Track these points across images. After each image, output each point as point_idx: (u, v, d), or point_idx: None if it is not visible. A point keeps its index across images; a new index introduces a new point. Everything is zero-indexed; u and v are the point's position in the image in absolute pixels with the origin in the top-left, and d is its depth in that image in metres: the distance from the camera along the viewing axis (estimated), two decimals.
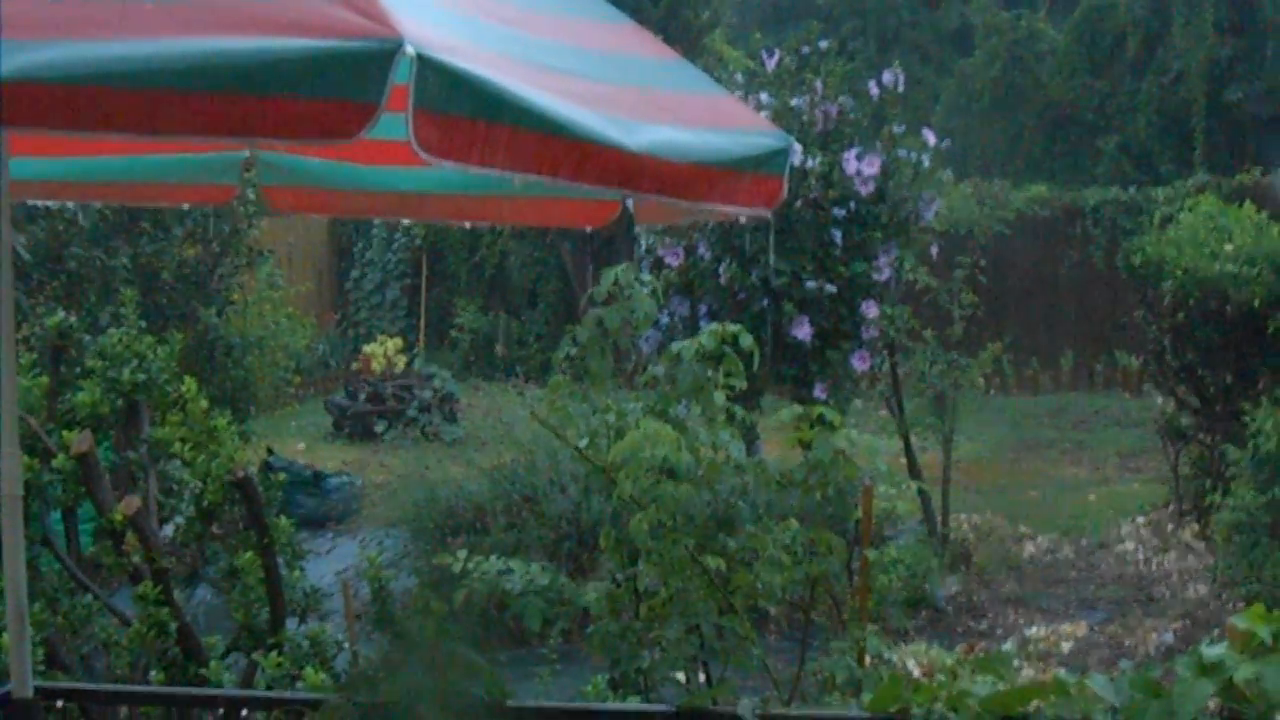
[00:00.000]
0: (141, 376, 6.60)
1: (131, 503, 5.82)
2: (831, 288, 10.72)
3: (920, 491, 11.93)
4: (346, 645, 6.27)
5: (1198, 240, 12.40)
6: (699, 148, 4.17)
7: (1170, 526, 13.10)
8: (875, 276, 10.95)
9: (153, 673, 5.89)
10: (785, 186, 4.55)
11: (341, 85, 3.05)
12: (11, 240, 4.56)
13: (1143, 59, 26.70)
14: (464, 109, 3.25)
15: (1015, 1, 32.08)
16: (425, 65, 3.07)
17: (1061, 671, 4.06)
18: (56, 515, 6.52)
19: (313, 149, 5.37)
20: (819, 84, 11.19)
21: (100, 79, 3.00)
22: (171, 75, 3.02)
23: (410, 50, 3.02)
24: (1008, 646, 10.17)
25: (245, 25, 3.10)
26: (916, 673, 8.83)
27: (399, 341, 20.10)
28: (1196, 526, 12.72)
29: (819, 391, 10.70)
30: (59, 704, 5.13)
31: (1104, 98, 27.27)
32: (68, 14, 3.16)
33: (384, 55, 3.01)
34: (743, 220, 9.43)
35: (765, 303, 10.68)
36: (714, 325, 4.96)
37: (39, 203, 11.32)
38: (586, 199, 5.42)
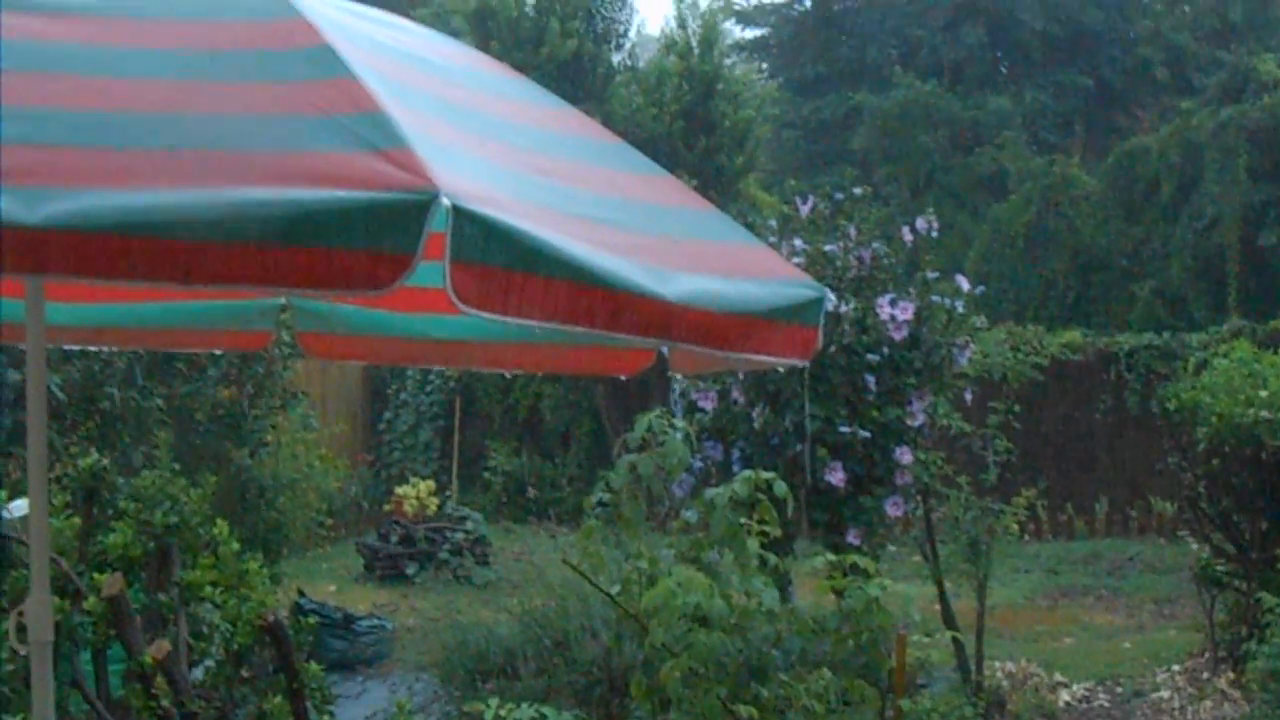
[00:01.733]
0: (174, 519, 6.61)
1: (161, 646, 5.80)
2: (865, 433, 10.68)
3: (954, 639, 11.81)
4: None
5: (1232, 386, 12.35)
6: (734, 298, 4.18)
7: (1206, 674, 12.93)
8: (909, 422, 10.90)
9: None
10: (820, 337, 4.55)
11: (378, 237, 3.07)
12: (46, 381, 4.58)
13: (1176, 204, 26.76)
14: (500, 260, 3.27)
15: (1048, 147, 32.28)
16: (461, 217, 3.09)
17: None
18: (86, 656, 6.50)
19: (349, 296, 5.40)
20: (853, 230, 11.22)
21: (137, 229, 3.02)
22: (208, 226, 3.04)
23: (446, 202, 3.04)
24: None
25: (282, 176, 3.13)
26: None
27: (431, 483, 20.08)
28: (1232, 674, 12.55)
29: (852, 537, 10.62)
30: None
31: (1138, 243, 27.32)
32: (105, 163, 3.19)
33: (420, 207, 3.03)
34: (779, 368, 9.44)
35: (799, 448, 10.65)
36: (747, 472, 4.94)
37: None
38: (621, 347, 5.42)
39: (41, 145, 3.19)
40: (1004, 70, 37.15)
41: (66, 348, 11.57)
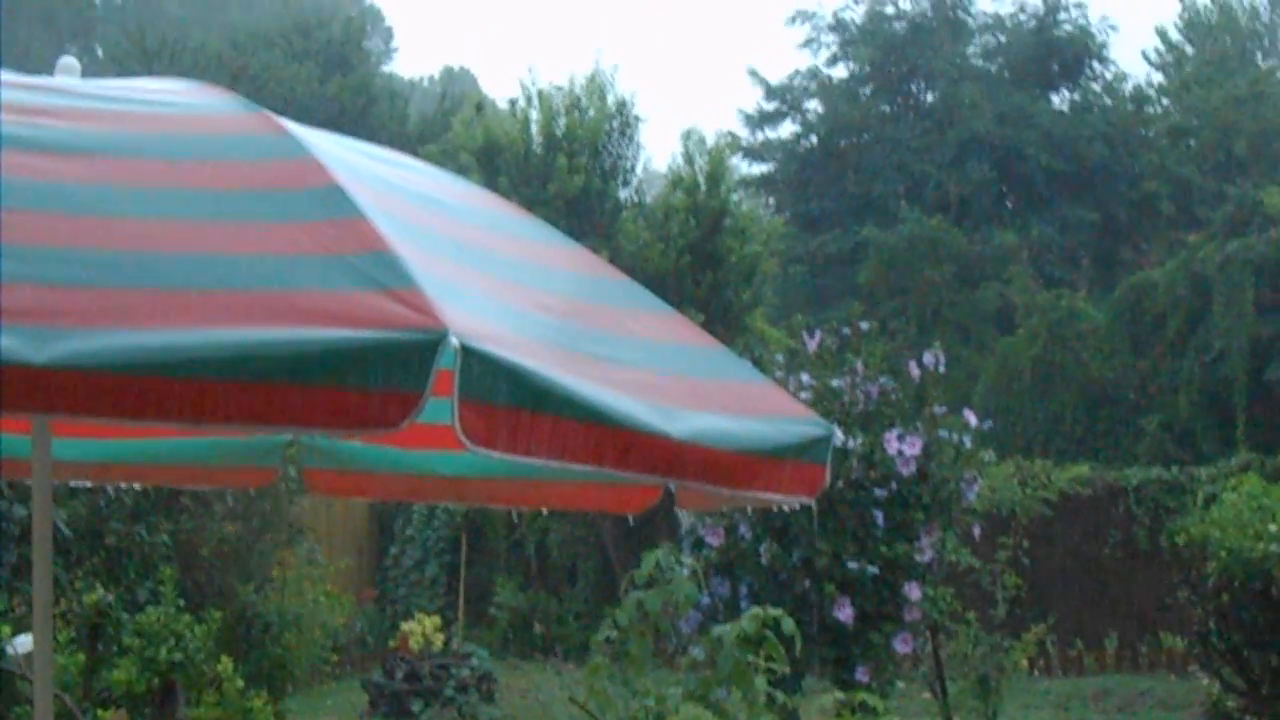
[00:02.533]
0: (178, 656, 6.59)
1: None
2: (873, 569, 10.62)
3: None
4: None
5: (1241, 521, 12.32)
6: (741, 436, 4.18)
7: None
8: (917, 558, 10.85)
9: None
10: (828, 475, 4.54)
11: (386, 376, 3.07)
12: (52, 516, 4.58)
13: (1184, 338, 26.81)
14: (508, 399, 3.27)
15: (1055, 281, 32.40)
16: (470, 356, 3.10)
17: None
18: None
19: None
20: (860, 365, 11.23)
21: (144, 369, 3.02)
22: (215, 365, 3.04)
23: (455, 341, 3.05)
24: None
25: (291, 316, 3.14)
26: None
27: (437, 619, 19.95)
28: None
29: (861, 674, 10.54)
30: None
31: (1145, 377, 27.33)
32: (113, 302, 3.20)
33: (429, 346, 3.04)
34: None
35: (807, 584, 10.59)
36: (755, 608, 4.91)
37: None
38: (628, 484, 5.41)
39: (50, 285, 3.20)
40: (1010, 205, 37.41)
41: (73, 483, 11.56)
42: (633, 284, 4.82)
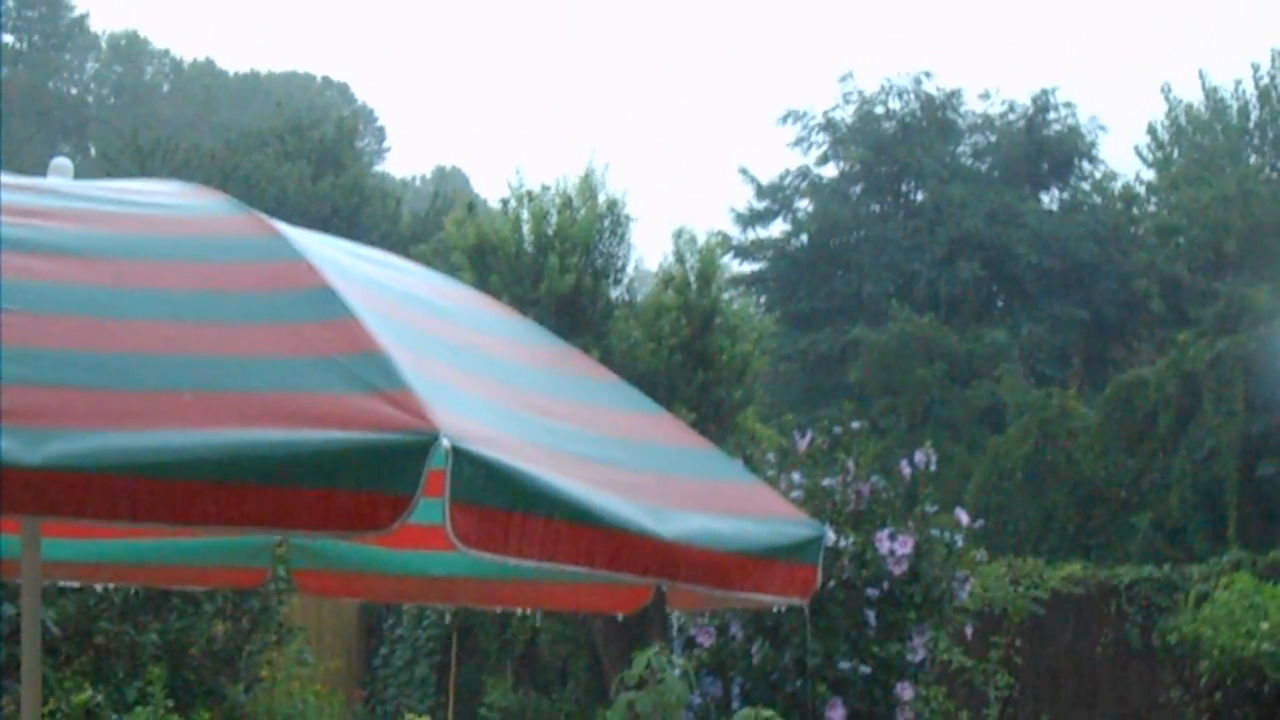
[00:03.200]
0: None
1: None
2: (865, 669, 10.59)
3: None
4: None
5: (1233, 619, 12.29)
6: (732, 537, 4.17)
7: None
8: (909, 657, 10.82)
9: None
10: (819, 575, 4.54)
11: (377, 478, 3.08)
12: (41, 615, 4.56)
13: (1175, 435, 26.82)
14: (500, 501, 3.27)
15: (1046, 379, 32.45)
16: (461, 458, 3.10)
17: None
18: None
19: None
20: (851, 464, 11.25)
21: (137, 470, 3.03)
22: (206, 467, 3.05)
23: (446, 443, 3.05)
24: None
25: (283, 417, 3.15)
26: None
27: (428, 719, 19.83)
28: None
29: None
30: None
31: (1137, 474, 27.31)
32: (106, 404, 3.21)
33: (420, 448, 3.04)
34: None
35: (799, 684, 10.54)
36: (747, 709, 4.89)
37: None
38: (619, 584, 5.40)
39: (42, 385, 3.21)
40: (1000, 304, 37.55)
41: (62, 583, 11.51)
42: (623, 384, 4.83)
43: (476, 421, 3.44)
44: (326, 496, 3.08)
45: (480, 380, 3.96)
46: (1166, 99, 43.69)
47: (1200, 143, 42.80)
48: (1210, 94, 43.46)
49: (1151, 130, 44.07)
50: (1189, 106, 43.79)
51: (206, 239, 4.06)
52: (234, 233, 4.08)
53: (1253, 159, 42.39)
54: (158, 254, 3.95)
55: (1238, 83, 43.34)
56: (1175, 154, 43.46)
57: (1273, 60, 43.01)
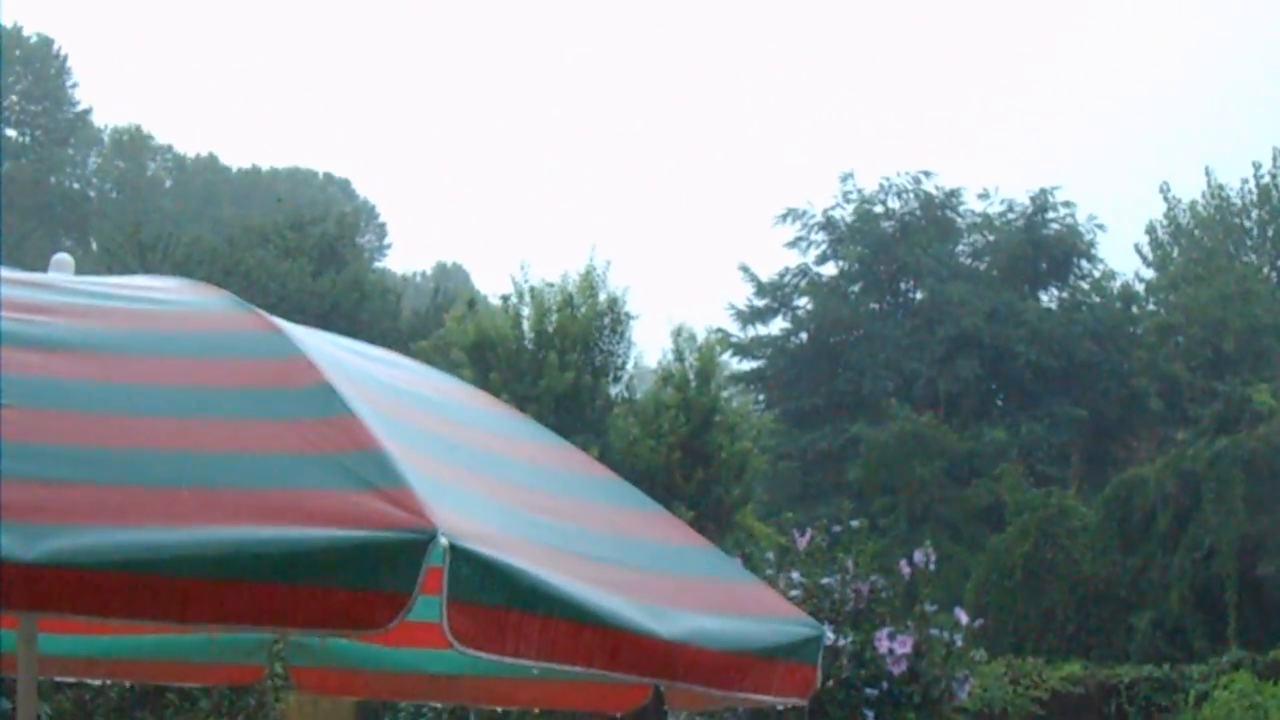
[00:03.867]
0: None
1: None
2: None
3: None
4: None
5: (1234, 718, 12.22)
6: (731, 636, 4.15)
7: None
8: None
9: None
10: (819, 675, 4.51)
11: (375, 576, 3.07)
12: (36, 711, 4.53)
13: (1174, 534, 26.73)
14: (497, 599, 3.26)
15: (1045, 478, 32.40)
16: (458, 556, 3.10)
17: None
18: None
19: None
20: (850, 563, 11.22)
21: (134, 566, 3.02)
22: (203, 564, 3.04)
23: (444, 541, 3.05)
24: None
25: (281, 515, 3.14)
26: None
27: None
28: None
29: None
30: None
31: (1136, 574, 27.20)
32: (105, 500, 3.20)
33: (418, 547, 3.04)
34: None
35: None
36: None
37: None
38: (618, 683, 5.37)
39: (41, 481, 3.20)
40: (1000, 402, 37.56)
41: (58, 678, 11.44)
42: (622, 482, 4.83)
43: (475, 519, 3.43)
44: (324, 594, 3.07)
45: (479, 478, 3.96)
46: (1165, 198, 43.92)
47: (1201, 241, 42.96)
48: (1215, 191, 43.69)
49: (1151, 229, 44.26)
50: (1192, 203, 44.00)
51: (207, 335, 4.07)
52: (234, 329, 4.09)
53: (1252, 258, 42.56)
54: (158, 350, 3.96)
55: (1243, 182, 43.58)
56: (1175, 252, 43.62)
57: (1274, 159, 43.26)
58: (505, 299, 26.00)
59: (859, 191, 40.04)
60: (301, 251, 44.98)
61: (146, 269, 38.30)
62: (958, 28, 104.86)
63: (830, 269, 40.68)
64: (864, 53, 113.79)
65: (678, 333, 25.30)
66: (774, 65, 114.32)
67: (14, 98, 64.23)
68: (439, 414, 4.36)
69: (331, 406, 3.53)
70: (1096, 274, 40.25)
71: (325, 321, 35.06)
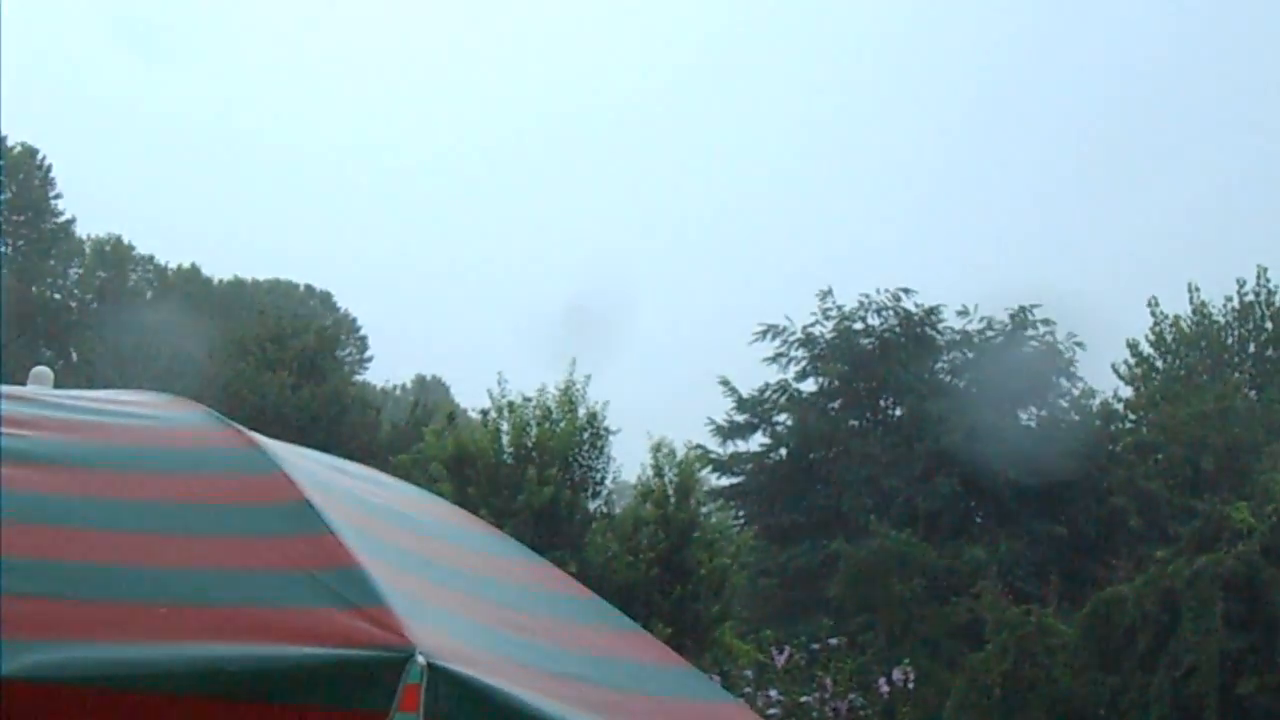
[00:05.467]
0: None
1: None
2: None
3: None
4: None
5: None
6: None
7: None
8: None
9: None
10: None
11: (351, 695, 3.06)
12: None
13: (1154, 653, 26.63)
14: (475, 718, 3.24)
15: (1024, 596, 32.30)
16: (436, 674, 3.09)
17: None
18: None
19: None
20: (829, 680, 11.19)
21: (105, 682, 3.01)
22: (179, 681, 3.04)
23: (421, 660, 3.04)
24: None
25: (257, 632, 3.13)
26: None
27: None
28: None
29: None
30: None
31: (1115, 692, 27.07)
32: (80, 615, 3.20)
33: (395, 665, 3.03)
34: None
35: None
36: None
37: None
38: None
39: (16, 596, 3.19)
40: (979, 520, 37.52)
41: None
42: (599, 601, 4.82)
43: (452, 637, 3.43)
44: (300, 713, 3.06)
45: (456, 596, 3.95)
46: (1153, 313, 44.17)
47: (1184, 358, 43.20)
48: (1197, 308, 43.97)
49: (1132, 346, 44.44)
50: (1175, 318, 44.25)
51: (184, 451, 4.08)
52: (212, 445, 4.10)
53: (1233, 375, 42.75)
54: (134, 465, 3.96)
55: (1226, 299, 43.87)
56: (1160, 364, 43.85)
57: (1257, 276, 43.58)
58: (484, 413, 26.02)
59: (838, 308, 40.21)
60: (282, 364, 44.96)
61: (126, 380, 38.31)
62: (937, 143, 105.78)
63: (810, 385, 40.75)
64: (843, 170, 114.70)
65: (657, 448, 25.31)
66: (751, 180, 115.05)
67: None
68: (416, 531, 4.36)
69: (309, 523, 3.53)
70: (1076, 392, 40.36)
71: (305, 434, 35.02)
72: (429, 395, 64.59)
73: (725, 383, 40.38)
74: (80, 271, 72.90)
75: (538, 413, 25.24)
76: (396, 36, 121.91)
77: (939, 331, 40.85)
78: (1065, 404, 40.05)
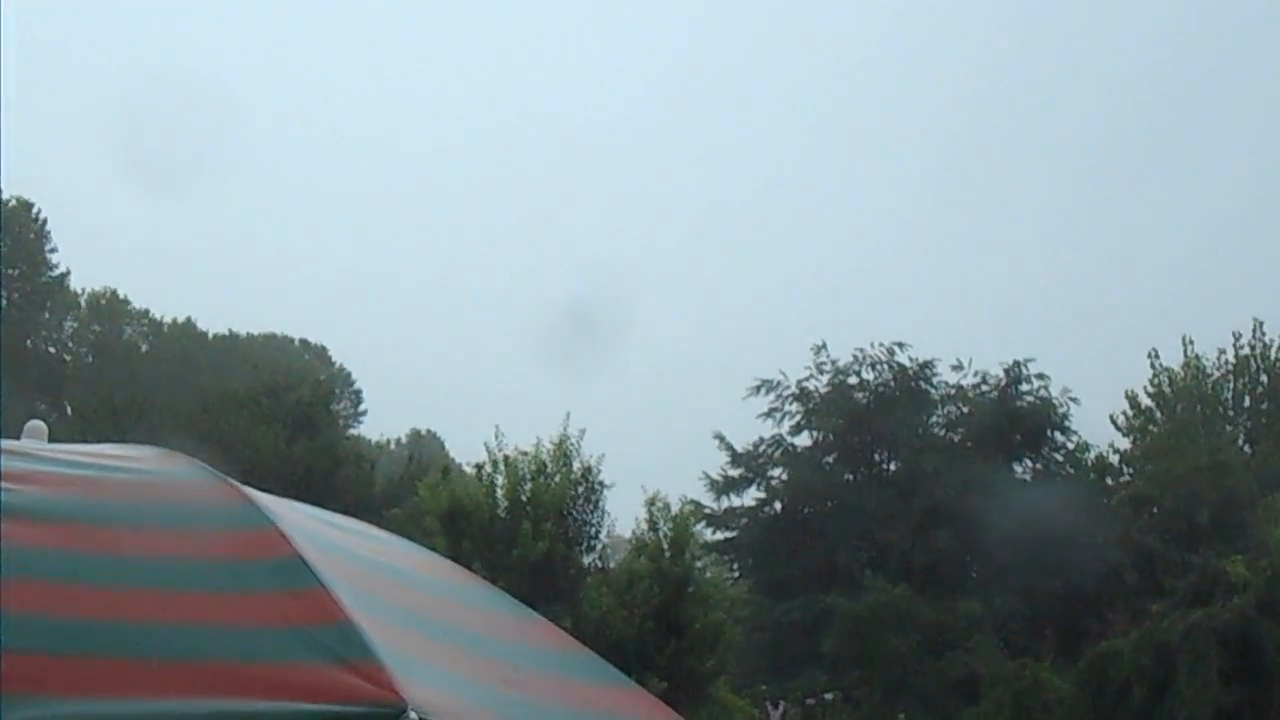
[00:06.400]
0: None
1: None
2: None
3: None
4: None
5: None
6: None
7: None
8: None
9: None
10: None
11: None
12: None
13: (1149, 707, 26.59)
14: None
15: (1019, 650, 32.24)
16: None
17: None
18: None
19: None
20: None
21: None
22: None
23: (413, 716, 3.04)
24: None
25: (250, 688, 3.13)
26: None
27: None
28: None
29: None
30: None
31: None
32: (74, 670, 3.19)
33: None
34: None
35: None
36: None
37: None
38: None
39: (11, 652, 3.18)
40: (974, 574, 37.49)
41: None
42: (593, 656, 4.80)
43: (444, 693, 3.42)
44: None
45: (449, 651, 3.94)
46: (1153, 365, 44.26)
47: (1179, 412, 43.25)
48: (1191, 361, 44.06)
49: (1131, 397, 44.49)
50: (1170, 372, 44.33)
51: (178, 505, 4.07)
52: (206, 499, 4.09)
53: (1227, 429, 42.80)
54: (128, 520, 3.95)
55: (1220, 352, 43.97)
56: (1158, 415, 43.89)
57: (1253, 330, 43.67)
58: (479, 467, 26.02)
59: (833, 363, 40.29)
60: (276, 418, 44.95)
61: (121, 434, 38.26)
62: (931, 199, 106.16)
63: (805, 440, 40.77)
64: (837, 225, 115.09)
65: (652, 502, 25.32)
66: (746, 237, 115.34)
67: None
68: (410, 586, 4.35)
69: (302, 579, 3.53)
70: (1070, 446, 40.39)
71: (299, 488, 34.95)
72: (424, 449, 64.54)
73: (720, 437, 40.41)
74: (75, 325, 72.96)
75: (533, 466, 25.24)
76: (381, 82, 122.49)
77: (933, 385, 40.92)
78: (1060, 458, 40.07)
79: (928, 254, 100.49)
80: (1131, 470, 40.71)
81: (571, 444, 25.74)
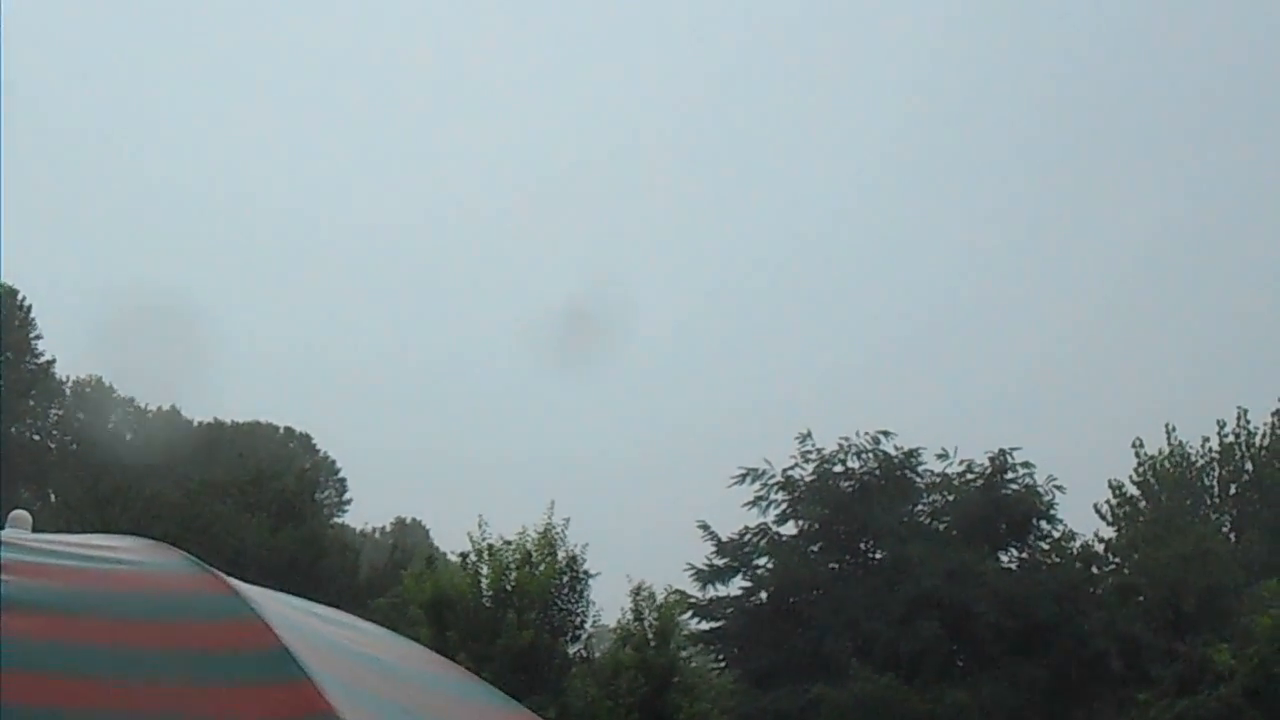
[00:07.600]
0: None
1: None
2: None
3: None
4: None
5: None
6: None
7: None
8: None
9: None
10: None
11: None
12: None
13: None
14: None
15: None
16: None
17: None
18: None
19: None
20: None
21: None
22: None
23: None
24: None
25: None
26: None
27: None
28: None
29: None
30: None
31: None
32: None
33: None
34: None
35: None
36: None
37: None
38: None
39: None
40: (961, 663, 37.35)
41: None
42: None
43: None
44: None
45: None
46: (1137, 454, 44.28)
47: (1164, 500, 43.32)
48: (1175, 449, 44.14)
49: (1115, 487, 44.53)
50: (1153, 460, 44.40)
51: (161, 597, 4.07)
52: (189, 591, 4.09)
53: (1213, 516, 42.86)
54: (112, 611, 3.95)
55: (1204, 440, 44.05)
56: (1142, 504, 43.93)
57: (1238, 418, 43.77)
58: (464, 556, 25.98)
59: (818, 451, 40.25)
60: (260, 506, 44.86)
61: (105, 522, 38.15)
62: (914, 289, 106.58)
63: (790, 528, 40.67)
64: (823, 315, 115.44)
65: (636, 592, 25.27)
66: (729, 327, 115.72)
67: None
68: (395, 679, 4.35)
69: (286, 670, 3.52)
70: (1056, 534, 40.35)
71: (283, 577, 34.82)
72: (408, 537, 64.40)
73: (705, 527, 40.28)
74: (60, 412, 72.84)
75: (517, 556, 25.21)
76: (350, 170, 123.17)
77: (919, 474, 40.88)
78: (1046, 546, 40.02)
79: (918, 342, 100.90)
80: (1117, 559, 40.68)
81: (556, 532, 25.73)
